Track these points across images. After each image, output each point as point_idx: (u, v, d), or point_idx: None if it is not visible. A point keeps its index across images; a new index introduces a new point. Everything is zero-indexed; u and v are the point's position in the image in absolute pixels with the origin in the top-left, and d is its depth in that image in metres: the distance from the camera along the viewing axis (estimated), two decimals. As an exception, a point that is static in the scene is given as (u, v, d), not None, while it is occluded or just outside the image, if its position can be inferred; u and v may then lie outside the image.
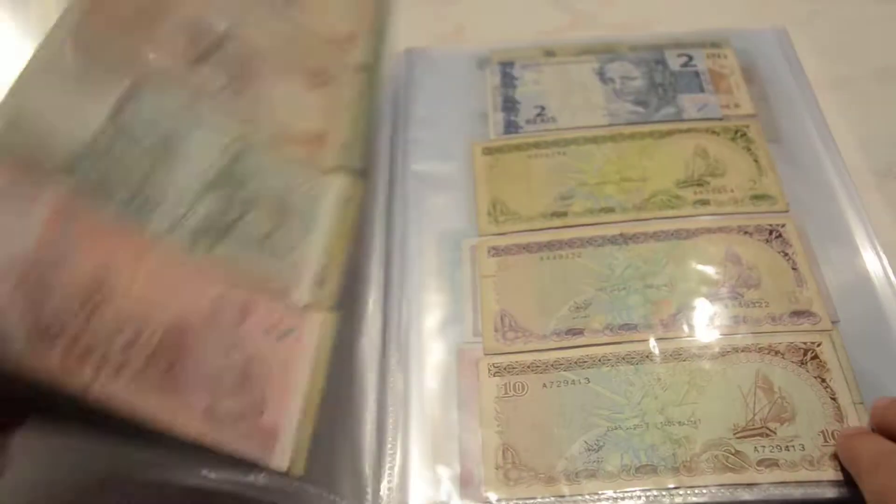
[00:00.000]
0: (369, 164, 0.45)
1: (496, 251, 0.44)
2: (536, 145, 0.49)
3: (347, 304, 0.41)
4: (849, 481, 0.35)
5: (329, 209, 0.41)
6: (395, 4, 0.51)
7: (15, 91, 0.35)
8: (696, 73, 0.51)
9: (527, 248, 0.44)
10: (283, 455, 0.34)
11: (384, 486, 0.38)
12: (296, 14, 0.46)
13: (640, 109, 0.50)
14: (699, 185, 0.46)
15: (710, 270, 0.43)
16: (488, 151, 0.49)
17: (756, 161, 0.47)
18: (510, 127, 0.50)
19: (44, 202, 0.33)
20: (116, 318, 0.32)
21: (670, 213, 0.45)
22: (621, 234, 0.44)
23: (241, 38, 0.43)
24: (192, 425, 0.32)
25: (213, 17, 0.43)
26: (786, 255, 0.43)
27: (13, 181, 0.33)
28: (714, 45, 0.53)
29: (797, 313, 0.41)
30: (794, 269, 0.42)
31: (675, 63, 0.52)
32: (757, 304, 0.41)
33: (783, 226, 0.44)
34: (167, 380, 0.33)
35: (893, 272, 0.42)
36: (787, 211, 0.45)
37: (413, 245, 0.45)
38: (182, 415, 0.32)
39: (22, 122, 0.34)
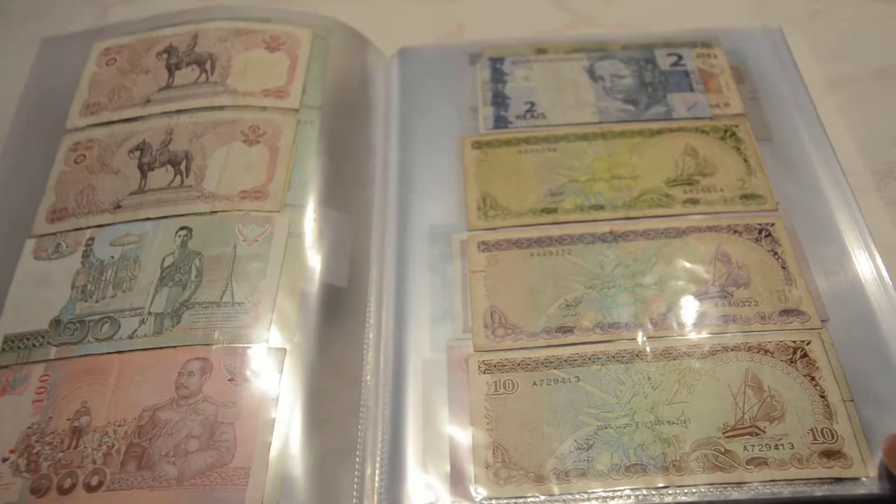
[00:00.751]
0: (332, 187, 0.46)
1: (486, 246, 0.44)
2: (527, 141, 0.48)
3: (331, 319, 0.41)
4: (838, 479, 0.35)
5: (280, 248, 0.43)
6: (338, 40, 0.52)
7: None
8: (686, 73, 0.51)
9: (517, 243, 0.44)
10: (256, 490, 0.36)
11: (375, 485, 0.37)
12: (229, 84, 0.49)
13: (630, 108, 0.50)
14: (689, 184, 0.46)
15: (699, 269, 0.43)
16: (478, 145, 0.48)
17: (745, 161, 0.47)
18: (499, 122, 0.49)
19: (34, 377, 0.39)
20: (95, 437, 0.37)
21: (660, 211, 0.45)
22: (611, 232, 0.44)
23: (181, 128, 0.47)
24: (167, 495, 0.35)
25: (154, 128, 0.47)
26: (775, 254, 0.43)
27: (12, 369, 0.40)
28: (704, 44, 0.53)
29: (786, 312, 0.41)
30: (783, 268, 0.42)
31: (664, 62, 0.52)
32: (746, 303, 0.41)
33: (772, 225, 0.44)
34: (142, 465, 0.36)
35: (887, 270, 0.42)
36: (776, 210, 0.45)
37: (405, 240, 0.45)
38: (157, 490, 0.36)
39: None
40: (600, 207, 0.45)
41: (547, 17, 0.58)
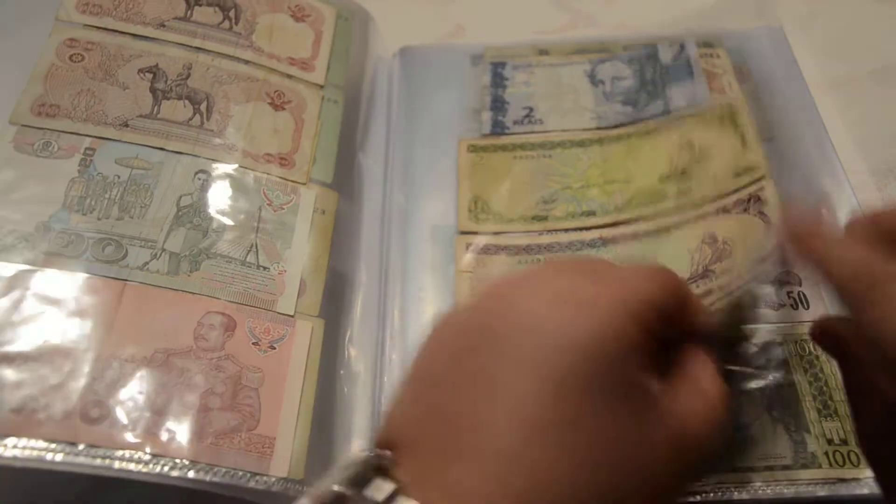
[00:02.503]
0: (346, 174, 0.46)
1: (474, 248, 0.44)
2: (522, 147, 0.47)
3: (337, 306, 0.41)
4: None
5: (306, 221, 0.42)
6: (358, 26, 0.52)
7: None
8: (688, 62, 0.49)
9: (505, 249, 0.43)
10: (282, 462, 0.34)
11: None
12: (253, 41, 0.47)
13: (629, 109, 0.48)
14: (682, 174, 0.44)
15: (685, 261, 0.41)
16: (473, 149, 0.48)
17: (742, 137, 0.45)
18: (497, 127, 0.49)
19: (19, 281, 0.36)
20: (98, 360, 0.34)
21: (651, 209, 0.43)
22: (600, 238, 0.43)
23: (201, 67, 0.45)
24: (187, 449, 0.33)
25: (170, 57, 0.45)
26: (762, 213, 0.41)
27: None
28: (707, 44, 0.51)
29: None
30: (768, 223, 0.41)
31: (666, 56, 0.50)
32: (726, 272, 0.39)
33: (762, 189, 0.42)
34: (157, 411, 0.34)
35: None
36: (766, 176, 0.43)
37: (409, 239, 0.45)
38: (174, 441, 0.34)
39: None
40: (591, 213, 0.44)
41: (547, 17, 0.57)
